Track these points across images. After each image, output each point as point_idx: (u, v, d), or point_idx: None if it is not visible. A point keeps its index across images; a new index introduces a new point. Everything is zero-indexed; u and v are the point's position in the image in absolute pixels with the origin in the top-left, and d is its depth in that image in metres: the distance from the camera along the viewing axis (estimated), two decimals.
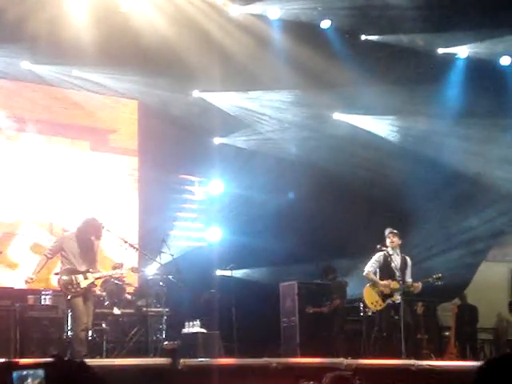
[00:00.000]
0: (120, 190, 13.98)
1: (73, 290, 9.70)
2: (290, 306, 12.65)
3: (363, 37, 14.43)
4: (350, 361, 9.17)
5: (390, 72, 14.03)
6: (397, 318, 10.95)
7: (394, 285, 10.93)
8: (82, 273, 9.80)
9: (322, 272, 13.10)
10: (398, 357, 10.38)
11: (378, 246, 11.15)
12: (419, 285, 10.99)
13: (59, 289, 10.00)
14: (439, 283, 11.04)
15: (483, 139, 14.71)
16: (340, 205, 14.43)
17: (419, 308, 12.50)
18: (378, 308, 11.01)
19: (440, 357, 12.70)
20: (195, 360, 9.65)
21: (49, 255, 9.99)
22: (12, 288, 11.60)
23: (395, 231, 11.18)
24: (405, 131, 15.03)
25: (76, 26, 12.34)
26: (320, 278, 13.10)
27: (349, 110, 15.19)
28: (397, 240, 11.13)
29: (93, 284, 10.06)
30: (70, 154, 13.52)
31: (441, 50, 14.80)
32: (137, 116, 14.21)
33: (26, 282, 10.02)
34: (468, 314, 13.90)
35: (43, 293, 11.54)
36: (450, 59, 14.93)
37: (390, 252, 11.05)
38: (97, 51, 12.63)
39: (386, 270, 11.03)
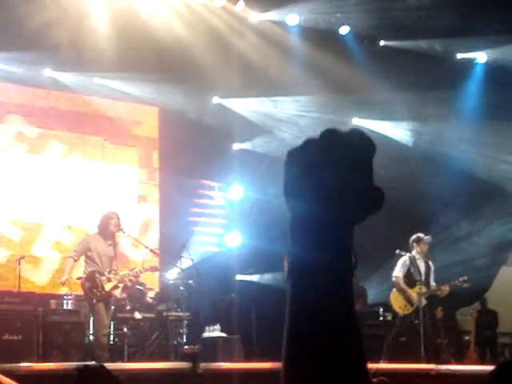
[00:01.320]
0: (141, 195, 14.11)
1: (98, 294, 9.76)
2: None
3: (382, 42, 14.48)
4: (369, 365, 9.21)
5: (408, 77, 14.05)
6: (417, 322, 11.02)
7: (423, 289, 11.03)
8: (105, 275, 9.87)
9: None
10: (418, 361, 10.41)
11: (397, 252, 11.22)
12: (447, 288, 11.12)
13: (83, 293, 10.04)
14: (465, 286, 11.14)
15: (503, 144, 14.70)
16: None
17: (438, 312, 12.49)
18: (406, 312, 11.12)
19: (459, 361, 12.70)
20: (215, 364, 9.76)
21: (75, 257, 10.07)
22: (34, 292, 11.70)
23: (425, 238, 11.26)
24: (424, 136, 15.05)
25: (98, 33, 12.50)
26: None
27: (368, 115, 15.23)
28: (426, 247, 11.25)
29: (116, 286, 10.13)
30: (91, 160, 13.66)
31: (460, 56, 14.83)
32: (157, 122, 14.35)
33: (63, 283, 10.17)
34: (488, 319, 13.87)
35: (65, 297, 11.66)
36: (468, 64, 14.93)
37: (417, 257, 11.15)
38: (118, 58, 12.78)
39: (411, 274, 11.12)
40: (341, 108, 14.80)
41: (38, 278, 12.70)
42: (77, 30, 12.30)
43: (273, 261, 13.94)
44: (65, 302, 11.59)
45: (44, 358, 10.33)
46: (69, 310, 11.48)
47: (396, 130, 15.28)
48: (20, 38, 11.87)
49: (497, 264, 15.32)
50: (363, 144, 1.32)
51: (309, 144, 1.33)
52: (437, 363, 10.43)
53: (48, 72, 13.23)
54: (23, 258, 11.77)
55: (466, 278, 11.16)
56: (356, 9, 13.29)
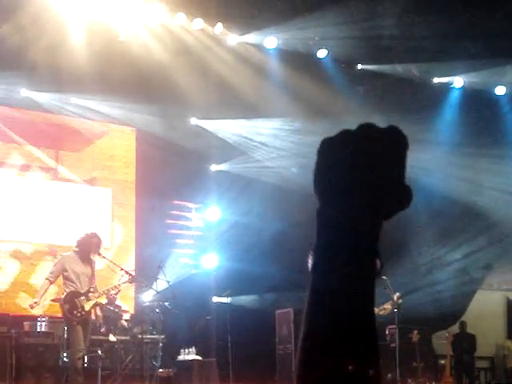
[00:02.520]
0: (116, 216, 14.05)
1: (78, 315, 9.57)
2: (286, 333, 12.63)
3: (359, 66, 14.58)
4: None
5: (385, 101, 14.15)
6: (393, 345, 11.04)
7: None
8: (84, 294, 9.70)
9: None
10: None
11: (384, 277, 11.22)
12: (389, 306, 11.29)
13: (63, 315, 9.79)
14: (400, 301, 11.27)
15: (477, 168, 14.81)
16: None
17: (415, 336, 12.51)
18: None
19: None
20: None
21: (51, 278, 9.84)
22: (8, 314, 11.59)
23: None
24: None
25: (75, 53, 12.46)
26: None
27: None
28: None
29: (96, 304, 9.97)
30: (67, 181, 13.60)
31: (436, 80, 14.96)
32: (134, 143, 14.32)
33: (31, 306, 9.94)
34: (467, 343, 13.89)
35: (39, 319, 11.55)
36: (445, 89, 15.07)
37: None
38: (95, 79, 12.75)
39: None
40: (318, 130, 14.85)
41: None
42: (54, 51, 12.26)
43: (250, 283, 13.94)
44: (39, 324, 11.47)
45: (17, 381, 10.25)
46: (43, 332, 11.37)
47: None
48: None
49: (472, 288, 15.38)
50: (400, 141, 1.34)
51: (345, 135, 1.34)
52: None
53: (24, 92, 13.17)
54: None
55: (400, 294, 11.31)
56: (334, 33, 13.37)
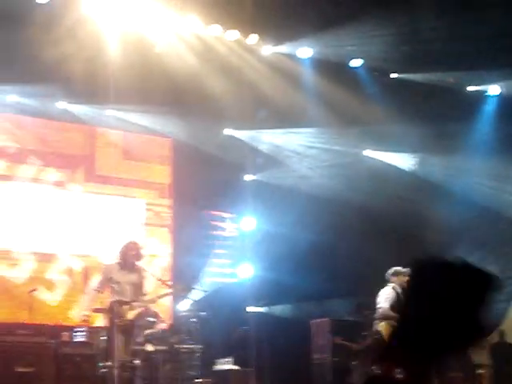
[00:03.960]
0: (153, 226, 14.13)
1: (121, 324, 9.62)
2: (322, 343, 12.60)
3: (393, 75, 14.56)
4: None
5: (419, 109, 14.11)
6: None
7: None
8: (128, 303, 9.75)
9: (355, 308, 12.99)
10: None
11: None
12: None
13: (107, 323, 9.86)
14: None
15: None
16: (370, 241, 14.43)
17: None
18: None
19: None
20: None
21: (99, 289, 9.96)
22: (47, 324, 11.69)
23: (404, 271, 11.11)
24: (435, 168, 15.06)
25: (111, 65, 12.59)
26: (353, 314, 13.01)
27: (379, 147, 15.28)
28: (405, 279, 11.06)
29: (139, 314, 9.97)
30: (104, 192, 13.72)
31: (471, 88, 14.89)
32: (170, 153, 14.42)
33: (84, 320, 10.06)
34: (506, 352, 13.72)
35: (77, 329, 11.64)
36: (480, 97, 14.99)
37: (398, 290, 11.03)
38: (131, 90, 12.87)
39: (394, 306, 10.95)
40: (352, 140, 14.87)
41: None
42: (91, 63, 12.40)
43: (285, 292, 13.94)
44: (77, 333, 11.56)
45: None
46: (81, 341, 11.44)
47: (407, 162, 15.31)
48: (35, 70, 11.97)
49: (509, 299, 15.20)
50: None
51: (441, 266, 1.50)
52: None
53: (61, 104, 13.32)
54: (36, 289, 11.78)
55: None
56: (368, 42, 13.37)
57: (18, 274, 12.67)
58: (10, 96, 12.88)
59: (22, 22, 11.60)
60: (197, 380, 11.08)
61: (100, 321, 10.64)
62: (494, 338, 14.19)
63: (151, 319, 11.50)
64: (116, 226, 13.57)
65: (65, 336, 11.48)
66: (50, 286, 12.84)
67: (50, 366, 10.71)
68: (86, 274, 13.17)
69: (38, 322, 11.42)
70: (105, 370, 9.99)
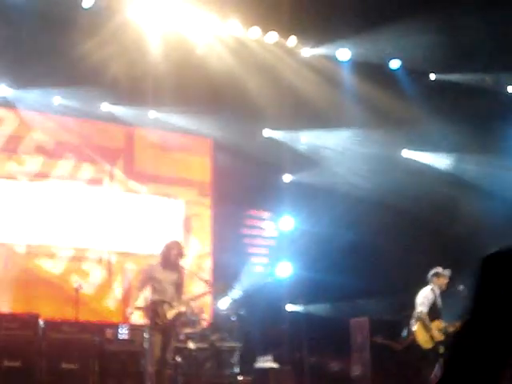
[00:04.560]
0: (191, 226, 14.32)
1: (160, 323, 9.76)
2: (362, 341, 12.69)
3: (432, 76, 14.59)
4: None
5: (458, 110, 14.12)
6: None
7: (441, 324, 10.87)
8: (168, 303, 9.84)
9: (398, 307, 12.97)
10: None
11: (461, 287, 10.94)
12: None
13: (148, 322, 10.02)
14: None
15: None
16: (408, 240, 14.48)
17: None
18: (429, 346, 10.89)
19: None
20: None
21: (140, 288, 10.08)
22: (91, 322, 11.93)
23: (444, 272, 11.13)
24: (474, 168, 15.05)
25: (153, 68, 12.82)
26: (396, 313, 13.00)
27: (417, 147, 15.31)
28: (445, 281, 11.09)
29: (179, 313, 10.06)
30: (143, 193, 13.95)
31: (510, 89, 14.86)
32: (210, 153, 14.61)
33: (130, 314, 10.30)
34: None
35: (120, 327, 11.85)
36: None
37: (436, 291, 11.03)
38: (173, 93, 13.08)
39: (433, 309, 10.98)
40: (391, 140, 14.91)
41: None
42: (134, 65, 12.64)
43: (323, 291, 14.04)
44: (120, 331, 11.76)
45: None
46: (124, 339, 11.64)
47: (445, 162, 15.32)
48: (79, 73, 12.23)
49: None
50: None
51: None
52: None
53: (105, 106, 13.58)
54: (81, 287, 12.01)
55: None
56: (407, 43, 13.42)
57: (57, 266, 12.96)
58: (56, 98, 13.14)
59: (67, 26, 11.87)
60: (239, 378, 11.21)
61: (142, 319, 10.81)
62: None
63: (193, 318, 11.73)
64: (155, 224, 13.78)
65: (109, 333, 11.65)
66: (85, 276, 13.11)
67: (95, 363, 10.91)
68: (123, 271, 13.42)
69: (83, 320, 11.67)
70: (148, 368, 10.17)
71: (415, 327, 10.93)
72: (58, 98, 13.16)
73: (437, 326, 10.86)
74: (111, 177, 13.71)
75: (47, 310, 12.12)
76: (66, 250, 13.08)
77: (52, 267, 12.92)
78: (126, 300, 12.84)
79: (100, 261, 13.35)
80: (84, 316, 11.85)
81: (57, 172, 13.22)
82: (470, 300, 1.57)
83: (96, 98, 13.30)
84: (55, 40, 11.78)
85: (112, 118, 13.64)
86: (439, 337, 10.80)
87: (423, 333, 10.85)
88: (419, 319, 10.87)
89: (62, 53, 11.96)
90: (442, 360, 10.78)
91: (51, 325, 11.09)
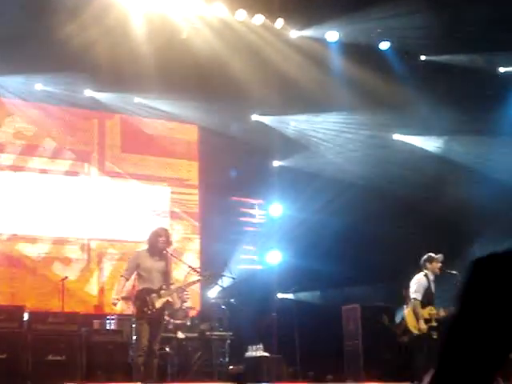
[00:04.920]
0: (181, 212, 14.09)
1: (148, 312, 9.50)
2: (353, 329, 12.52)
3: (423, 57, 14.38)
4: None
5: (450, 92, 13.92)
6: None
7: (434, 310, 10.72)
8: (156, 291, 9.58)
9: (389, 294, 12.78)
10: None
11: (454, 272, 10.78)
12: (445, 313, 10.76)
13: (135, 312, 9.73)
14: None
15: None
16: (400, 226, 14.31)
17: None
18: (419, 333, 10.71)
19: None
20: None
21: (127, 276, 9.75)
22: (78, 313, 11.70)
23: (437, 257, 10.96)
24: (465, 151, 14.88)
25: (138, 52, 12.52)
26: (387, 299, 12.82)
27: (408, 130, 15.12)
28: (438, 266, 10.94)
29: (167, 302, 9.76)
30: (129, 179, 13.71)
31: (502, 69, 14.68)
32: (197, 140, 14.36)
33: (113, 304, 9.98)
34: None
35: (108, 317, 11.64)
36: (511, 78, 14.77)
37: (430, 277, 10.89)
38: (157, 77, 12.81)
39: (426, 294, 10.83)
40: (381, 124, 14.70)
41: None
42: (117, 50, 12.34)
43: (313, 278, 13.85)
44: (108, 322, 11.56)
45: (88, 379, 10.33)
46: (112, 329, 11.45)
47: (437, 145, 15.14)
48: (61, 58, 11.93)
49: None
50: None
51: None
52: None
53: (89, 92, 13.29)
54: (66, 278, 11.82)
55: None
56: (396, 24, 13.20)
57: (40, 255, 12.76)
58: (38, 85, 12.85)
59: (47, 8, 11.55)
60: (230, 367, 11.03)
61: (130, 308, 10.57)
62: None
63: (182, 307, 11.50)
64: (141, 211, 13.56)
65: (96, 324, 11.48)
66: (68, 264, 12.89)
67: (82, 355, 10.72)
68: (107, 258, 13.20)
69: (69, 311, 11.45)
70: (135, 358, 9.93)
71: (406, 313, 10.80)
72: (39, 85, 12.89)
73: (429, 311, 10.71)
74: (94, 164, 13.45)
75: (33, 302, 11.91)
76: (49, 239, 12.85)
77: (35, 256, 12.69)
78: (110, 289, 12.56)
79: (83, 248, 13.11)
80: (69, 306, 11.63)
81: (37, 160, 12.96)
82: (457, 299, 1.57)
83: (79, 85, 13.02)
84: (35, 24, 11.44)
85: (95, 105, 13.37)
86: (425, 329, 10.61)
87: (412, 319, 10.72)
88: (411, 306, 10.72)
89: (43, 37, 11.64)
90: (434, 346, 10.61)
91: (37, 316, 10.87)
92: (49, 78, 12.74)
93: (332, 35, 13.70)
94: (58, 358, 10.51)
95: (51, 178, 13.05)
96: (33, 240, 12.74)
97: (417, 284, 10.84)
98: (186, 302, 11.70)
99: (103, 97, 13.40)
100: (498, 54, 14.08)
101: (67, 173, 13.20)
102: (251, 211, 14.91)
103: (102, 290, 13.13)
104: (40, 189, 12.92)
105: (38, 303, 12.12)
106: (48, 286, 12.40)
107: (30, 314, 10.80)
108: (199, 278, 10.73)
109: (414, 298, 10.74)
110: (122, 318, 11.37)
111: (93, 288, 13.11)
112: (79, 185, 13.27)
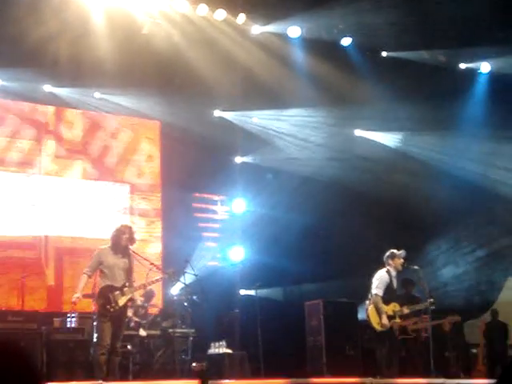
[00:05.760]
0: (139, 210, 13.96)
1: (111, 310, 9.35)
2: (316, 324, 12.53)
3: (384, 53, 14.42)
4: (378, 380, 9.09)
5: (411, 88, 13.98)
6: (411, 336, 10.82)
7: (397, 307, 10.73)
8: (119, 289, 9.45)
9: (352, 290, 12.76)
10: (427, 375, 10.26)
11: (412, 267, 10.83)
12: (407, 311, 10.79)
13: (97, 310, 9.58)
14: (433, 307, 10.70)
15: (506, 154, 14.63)
16: (364, 222, 14.36)
17: (446, 325, 12.31)
18: (383, 329, 10.72)
19: (468, 375, 12.55)
20: (224, 381, 9.61)
21: (89, 273, 9.58)
22: (38, 311, 11.54)
23: (399, 253, 10.99)
24: (428, 147, 14.97)
25: (98, 47, 12.36)
26: (350, 295, 12.82)
27: (370, 126, 15.17)
28: (400, 262, 10.96)
29: (131, 299, 9.64)
30: (90, 175, 13.55)
31: (463, 66, 14.78)
32: (159, 136, 14.24)
33: (74, 302, 9.78)
34: (498, 331, 13.71)
35: (68, 315, 11.49)
36: (472, 74, 14.89)
37: (392, 273, 10.91)
38: (119, 73, 12.70)
39: (389, 291, 10.84)
40: (344, 120, 14.73)
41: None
42: (77, 45, 12.18)
43: (276, 275, 13.84)
44: (68, 320, 11.40)
45: (48, 378, 10.15)
46: (73, 327, 11.30)
47: (397, 141, 15.22)
48: (19, 53, 11.75)
49: (503, 276, 15.18)
50: None
51: None
52: (446, 377, 10.29)
53: (48, 88, 13.11)
54: (27, 275, 11.64)
55: (432, 300, 10.74)
56: (358, 20, 13.22)
57: None
58: None
59: (5, 2, 11.36)
60: (193, 364, 10.94)
61: (91, 306, 10.43)
62: (487, 317, 14.19)
63: (144, 304, 11.40)
64: (101, 209, 13.41)
65: (56, 322, 11.33)
66: (26, 260, 12.71)
67: (42, 353, 10.59)
68: (65, 256, 13.04)
69: (29, 309, 11.28)
70: (97, 356, 9.80)
71: (369, 309, 10.80)
72: None
73: (392, 308, 10.72)
74: (51, 159, 13.24)
75: None
76: (6, 238, 12.62)
77: None
78: (71, 287, 12.39)
79: (41, 246, 12.92)
80: (29, 305, 11.48)
81: None
82: None
83: (38, 80, 12.82)
84: None
85: (55, 100, 13.17)
86: (387, 324, 10.61)
87: (375, 316, 10.73)
88: (373, 302, 10.73)
89: (0, 32, 11.45)
90: (396, 342, 10.66)
91: None
92: (7, 73, 12.52)
93: (294, 31, 13.67)
94: None
95: (3, 175, 12.81)
96: None
97: (378, 280, 10.85)
98: (149, 299, 11.62)
99: (63, 92, 13.22)
100: (459, 50, 14.17)
101: (21, 168, 12.96)
102: (214, 207, 14.84)
103: (62, 288, 12.96)
104: None
105: None
106: (7, 284, 12.20)
107: None
108: (162, 275, 10.62)
109: (376, 294, 10.74)
110: (82, 316, 11.22)
111: (52, 286, 12.92)
112: (35, 181, 13.04)
